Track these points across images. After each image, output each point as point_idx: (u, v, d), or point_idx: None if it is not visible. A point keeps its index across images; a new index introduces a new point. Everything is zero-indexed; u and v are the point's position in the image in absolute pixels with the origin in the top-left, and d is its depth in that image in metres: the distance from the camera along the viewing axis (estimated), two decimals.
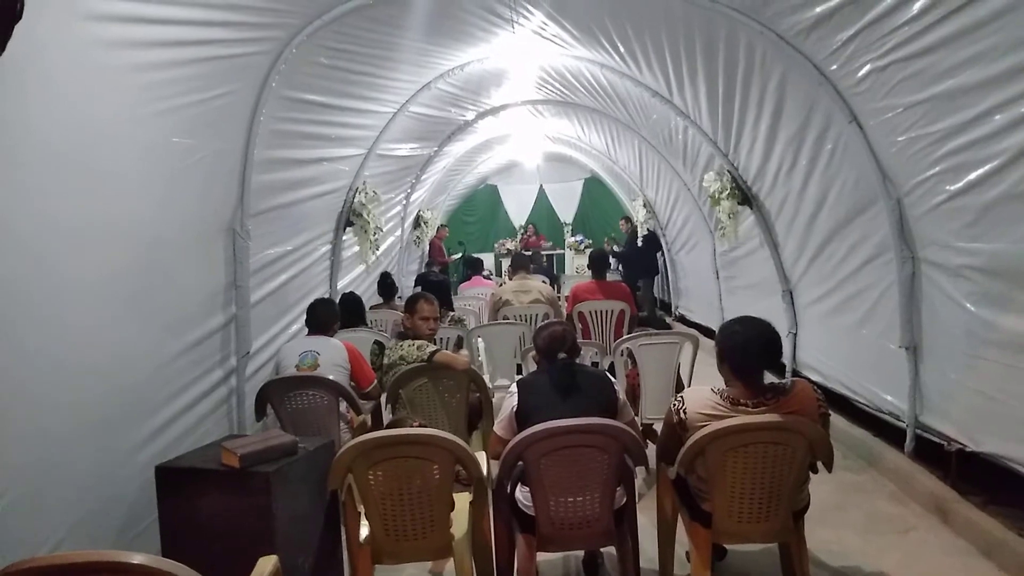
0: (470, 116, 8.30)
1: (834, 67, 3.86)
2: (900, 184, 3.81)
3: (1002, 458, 3.33)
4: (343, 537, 2.93)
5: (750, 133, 5.38)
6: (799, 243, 5.39)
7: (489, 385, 4.35)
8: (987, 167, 3.05)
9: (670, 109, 6.31)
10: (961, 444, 3.62)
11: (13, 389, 2.38)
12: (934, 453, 3.90)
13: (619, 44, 5.41)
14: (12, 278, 2.36)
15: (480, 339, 5.50)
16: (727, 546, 3.22)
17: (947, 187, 3.39)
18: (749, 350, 2.60)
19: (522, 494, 2.74)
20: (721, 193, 6.09)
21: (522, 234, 14.79)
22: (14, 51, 1.92)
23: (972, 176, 3.17)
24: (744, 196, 6.00)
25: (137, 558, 1.74)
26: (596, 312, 5.94)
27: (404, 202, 8.78)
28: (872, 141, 3.90)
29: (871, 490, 4.07)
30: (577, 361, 3.07)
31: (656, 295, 11.47)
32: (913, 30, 3.10)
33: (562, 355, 2.92)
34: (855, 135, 3.97)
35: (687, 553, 3.05)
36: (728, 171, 6.05)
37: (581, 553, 3.30)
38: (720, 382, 2.72)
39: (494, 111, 8.39)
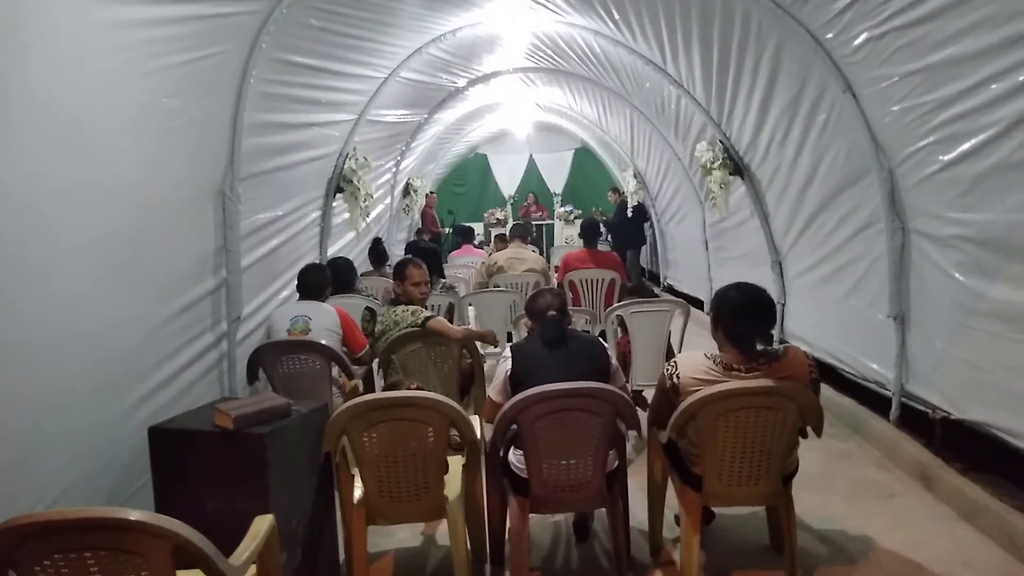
0: (461, 83, 8.21)
1: (830, 35, 3.83)
2: (893, 154, 3.81)
3: (986, 425, 3.39)
4: (336, 499, 2.95)
5: (744, 103, 5.35)
6: (790, 214, 5.40)
7: (480, 351, 4.36)
8: (981, 137, 3.06)
9: (663, 78, 6.28)
10: (945, 412, 3.68)
11: (6, 352, 2.35)
12: (919, 421, 3.97)
13: (614, 10, 5.35)
14: (6, 240, 2.33)
15: (471, 306, 5.51)
16: (715, 509, 3.28)
17: (940, 157, 3.40)
18: (744, 316, 2.62)
19: (515, 457, 2.77)
20: (713, 163, 6.08)
21: (523, 203, 14.68)
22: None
23: (965, 146, 3.18)
24: (736, 166, 5.99)
25: (135, 515, 1.76)
26: (587, 281, 5.96)
27: (394, 169, 8.70)
28: (866, 111, 3.89)
29: (857, 457, 4.14)
30: (569, 328, 3.09)
31: (643, 265, 11.52)
32: None
33: (552, 313, 2.93)
34: (849, 105, 3.96)
35: (676, 516, 3.10)
36: (720, 141, 6.03)
37: (572, 515, 3.34)
38: (712, 348, 2.74)
39: (485, 78, 8.32)
